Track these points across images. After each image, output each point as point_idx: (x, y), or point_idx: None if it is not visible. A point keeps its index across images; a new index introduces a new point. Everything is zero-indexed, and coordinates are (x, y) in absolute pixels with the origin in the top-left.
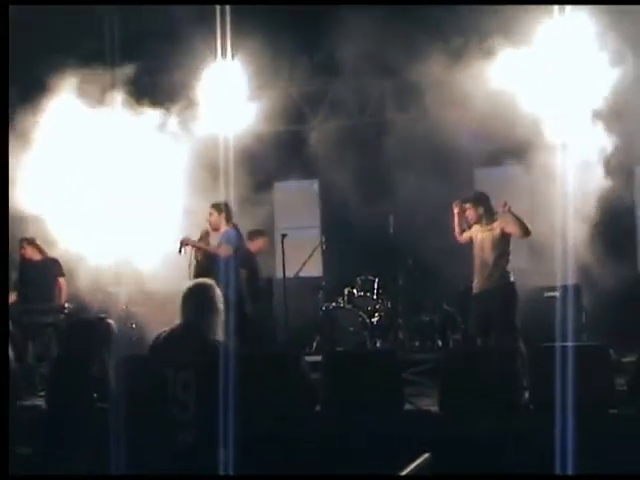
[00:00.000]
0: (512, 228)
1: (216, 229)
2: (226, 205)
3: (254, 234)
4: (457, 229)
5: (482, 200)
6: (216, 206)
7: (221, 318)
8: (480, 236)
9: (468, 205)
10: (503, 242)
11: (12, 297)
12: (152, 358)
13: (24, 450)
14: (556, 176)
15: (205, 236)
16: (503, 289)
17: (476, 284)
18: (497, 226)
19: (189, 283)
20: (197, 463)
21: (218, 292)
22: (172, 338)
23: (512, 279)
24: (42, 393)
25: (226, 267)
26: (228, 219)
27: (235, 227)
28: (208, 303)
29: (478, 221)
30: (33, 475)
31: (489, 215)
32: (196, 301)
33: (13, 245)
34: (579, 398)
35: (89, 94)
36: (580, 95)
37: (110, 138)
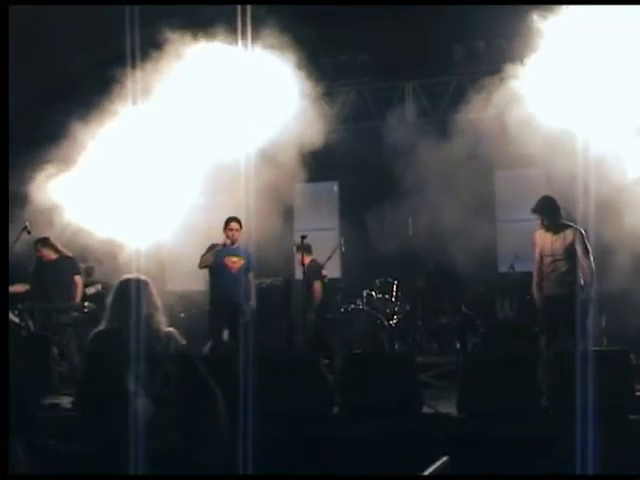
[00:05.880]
0: (583, 255)
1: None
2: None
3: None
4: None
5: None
6: (238, 220)
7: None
8: (551, 240)
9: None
10: (573, 250)
11: (20, 288)
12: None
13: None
14: (578, 180)
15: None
16: (573, 294)
17: (546, 288)
18: (569, 235)
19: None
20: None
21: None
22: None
23: (582, 284)
24: (64, 392)
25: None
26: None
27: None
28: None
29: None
30: (33, 475)
31: (557, 221)
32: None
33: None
34: (599, 403)
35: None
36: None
37: (131, 138)
